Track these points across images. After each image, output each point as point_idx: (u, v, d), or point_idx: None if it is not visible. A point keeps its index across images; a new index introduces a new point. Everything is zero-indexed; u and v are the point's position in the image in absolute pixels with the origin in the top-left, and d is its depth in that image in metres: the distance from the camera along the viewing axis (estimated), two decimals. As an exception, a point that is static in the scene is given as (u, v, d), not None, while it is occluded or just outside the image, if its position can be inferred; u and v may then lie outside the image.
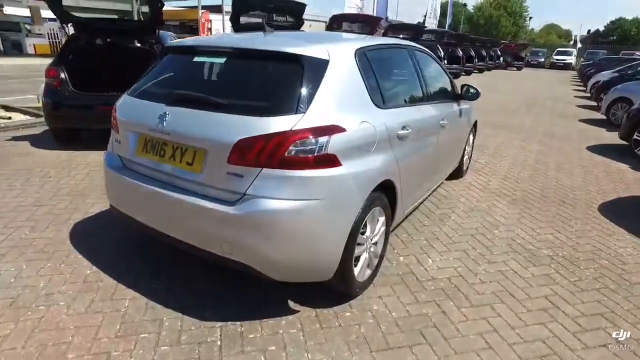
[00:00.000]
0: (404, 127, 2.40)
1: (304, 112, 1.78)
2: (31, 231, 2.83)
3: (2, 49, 21.69)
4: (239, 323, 2.02)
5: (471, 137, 4.50)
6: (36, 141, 5.05)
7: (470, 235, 3.15)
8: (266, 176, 1.73)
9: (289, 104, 1.80)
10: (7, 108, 6.89)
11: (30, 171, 4.00)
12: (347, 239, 1.95)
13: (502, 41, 34.70)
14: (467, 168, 4.69)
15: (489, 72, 23.96)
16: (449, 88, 3.66)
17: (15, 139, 5.16)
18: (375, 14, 19.26)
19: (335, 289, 2.18)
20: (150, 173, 2.06)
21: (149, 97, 2.10)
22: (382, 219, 2.34)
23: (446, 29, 27.07)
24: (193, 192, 1.88)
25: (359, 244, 2.12)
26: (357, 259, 2.19)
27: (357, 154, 1.95)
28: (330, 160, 1.80)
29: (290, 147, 1.71)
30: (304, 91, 1.84)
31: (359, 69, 2.13)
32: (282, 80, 1.93)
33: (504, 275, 2.60)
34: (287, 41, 2.09)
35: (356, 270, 2.17)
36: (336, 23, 9.55)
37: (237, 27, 6.88)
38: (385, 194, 2.32)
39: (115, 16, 4.84)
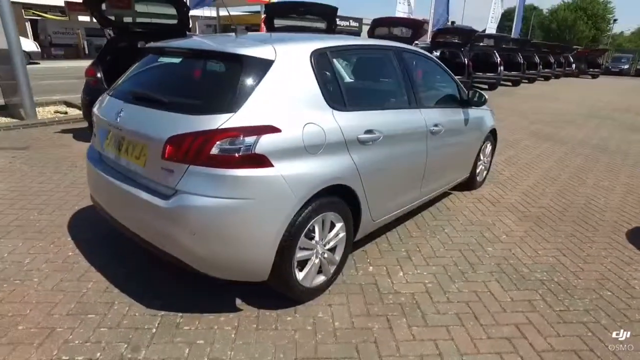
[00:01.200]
0: (369, 132, 2.31)
1: (235, 112, 1.79)
2: (39, 213, 3.15)
3: (87, 51, 24.40)
4: (180, 314, 2.09)
5: (488, 146, 4.19)
6: (78, 134, 5.61)
7: (458, 250, 2.93)
8: (193, 173, 1.77)
9: (222, 103, 1.82)
10: (68, 104, 7.76)
11: (62, 160, 4.46)
12: (282, 241, 1.93)
13: (575, 47, 31.69)
14: (484, 179, 4.37)
15: (557, 80, 22.07)
16: (453, 93, 3.45)
17: (63, 131, 5.79)
18: (433, 18, 18.68)
19: (279, 291, 2.16)
20: (113, 165, 2.20)
21: (116, 95, 2.26)
22: (339, 225, 2.28)
23: (512, 34, 25.44)
24: (140, 185, 1.98)
25: (303, 249, 2.09)
26: (304, 263, 2.15)
27: (296, 155, 1.92)
28: (259, 161, 1.79)
29: (216, 146, 1.74)
30: (239, 90, 1.85)
31: (313, 69, 2.10)
32: (222, 80, 1.97)
33: (477, 296, 2.39)
34: (239, 42, 2.12)
35: (301, 274, 2.13)
36: (378, 27, 9.42)
37: (271, 31, 7.08)
38: (345, 200, 2.26)
39: (158, 20, 5.23)
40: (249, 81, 1.88)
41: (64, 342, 1.85)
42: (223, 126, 1.76)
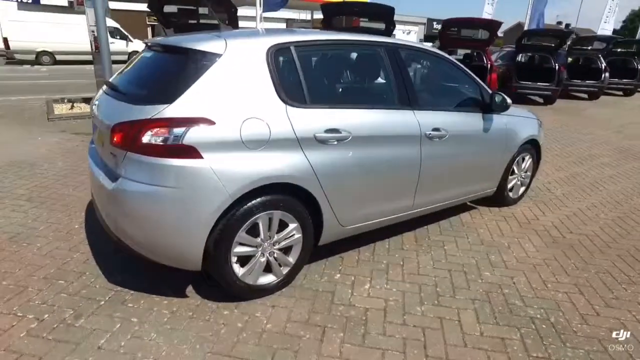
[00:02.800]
0: (332, 131, 2.19)
1: (171, 103, 1.84)
2: (74, 189, 3.63)
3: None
4: (132, 292, 2.22)
5: (527, 158, 3.65)
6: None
7: (448, 270, 2.61)
8: (130, 159, 1.87)
9: (162, 94, 1.89)
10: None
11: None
12: (214, 233, 1.93)
13: None
14: (520, 196, 3.82)
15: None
16: (472, 96, 3.09)
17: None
18: (529, 20, 16.89)
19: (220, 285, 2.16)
20: (96, 154, 2.43)
21: (103, 88, 2.49)
22: (293, 226, 2.20)
23: (637, 36, 21.71)
24: (103, 171, 2.15)
25: (243, 244, 2.06)
26: (246, 259, 2.13)
27: (231, 149, 1.90)
28: (187, 151, 1.82)
29: (147, 134, 1.81)
30: (179, 82, 1.90)
31: (268, 64, 2.06)
32: (169, 72, 2.03)
33: (441, 324, 2.10)
34: (201, 37, 2.16)
35: (241, 270, 2.11)
36: (449, 28, 8.84)
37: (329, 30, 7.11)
38: (301, 201, 2.18)
39: (216, 21, 5.67)
40: (191, 73, 1.92)
41: (26, 301, 2.11)
42: (156, 116, 1.83)
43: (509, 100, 3.04)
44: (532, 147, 3.68)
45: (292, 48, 2.18)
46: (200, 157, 1.84)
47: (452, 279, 2.51)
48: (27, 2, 22.01)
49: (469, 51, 9.73)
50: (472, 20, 8.77)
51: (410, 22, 41.71)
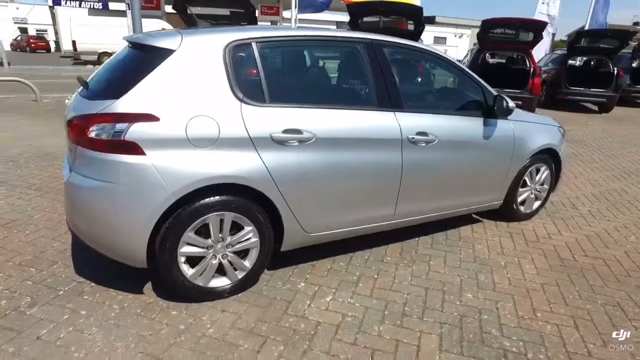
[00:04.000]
0: (292, 131, 2.07)
1: (118, 98, 1.83)
2: (80, 182, 3.81)
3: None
4: (92, 285, 2.25)
5: (542, 169, 3.27)
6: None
7: (425, 288, 2.38)
8: (79, 153, 1.88)
9: (113, 90, 1.89)
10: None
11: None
12: (159, 232, 1.90)
13: None
14: (534, 211, 3.43)
15: None
16: (473, 99, 2.83)
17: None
18: (590, 20, 15.50)
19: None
20: None
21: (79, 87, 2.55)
22: (248, 229, 2.11)
23: None
24: (68, 164, 2.20)
25: (191, 244, 2.01)
26: (197, 260, 2.07)
27: (176, 147, 1.85)
28: (129, 147, 1.79)
29: (91, 129, 1.81)
30: (130, 78, 1.89)
31: (224, 61, 1.99)
32: (126, 68, 2.03)
33: (395, 347, 1.90)
34: (159, 33, 2.14)
35: (190, 270, 2.05)
36: (488, 29, 8.28)
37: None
38: (256, 203, 2.09)
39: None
40: (143, 69, 1.90)
41: (-7, 285, 2.21)
42: (101, 111, 1.83)
43: (511, 104, 2.73)
44: (550, 157, 3.30)
45: (254, 44, 2.09)
46: (143, 153, 1.81)
47: (426, 298, 2.29)
48: (97, 8, 24.13)
49: (512, 54, 9.07)
50: (514, 21, 8.16)
51: (463, 26, 40.25)
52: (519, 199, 3.26)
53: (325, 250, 2.65)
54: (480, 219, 3.41)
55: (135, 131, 1.80)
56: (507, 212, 3.30)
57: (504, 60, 10.01)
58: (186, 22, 5.70)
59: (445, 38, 42.97)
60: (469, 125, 2.75)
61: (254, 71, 2.08)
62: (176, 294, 2.13)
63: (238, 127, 1.97)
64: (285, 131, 2.07)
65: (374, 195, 2.47)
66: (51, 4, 28.44)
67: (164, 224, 1.91)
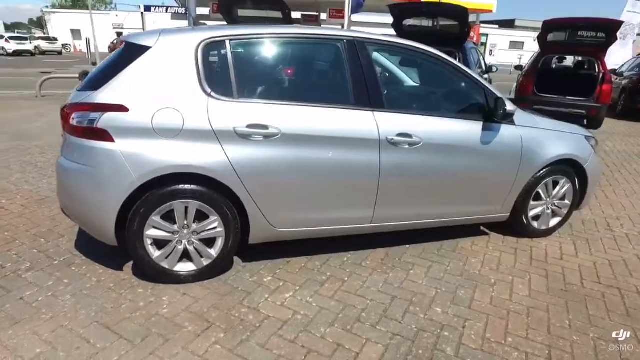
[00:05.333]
0: (257, 126, 2.12)
1: (97, 89, 2.03)
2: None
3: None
4: (84, 258, 2.49)
5: (562, 182, 2.93)
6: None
7: (392, 297, 2.27)
8: (66, 138, 2.12)
9: (96, 83, 2.09)
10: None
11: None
12: (126, 214, 2.06)
13: None
14: (551, 228, 3.08)
15: None
16: (468, 100, 2.64)
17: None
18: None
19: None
20: None
21: None
22: (213, 219, 2.20)
23: None
24: None
25: (157, 228, 2.14)
26: (163, 243, 2.20)
27: (142, 136, 1.99)
28: (100, 134, 1.97)
29: (72, 117, 2.03)
30: (110, 72, 2.08)
31: (196, 57, 2.09)
32: (111, 64, 2.21)
33: (332, 351, 1.84)
34: (143, 32, 2.30)
35: (156, 252, 2.19)
36: (549, 31, 7.52)
37: (400, 33, 6.88)
38: (222, 194, 2.17)
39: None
40: (122, 64, 2.09)
41: (7, 250, 2.54)
42: (81, 101, 2.04)
43: (509, 108, 2.48)
44: (573, 169, 2.94)
45: (227, 42, 2.18)
46: (112, 140, 1.99)
47: (388, 307, 2.18)
48: (179, 13, 26.53)
49: (579, 58, 8.15)
50: (579, 21, 7.30)
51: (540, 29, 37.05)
52: (531, 213, 2.96)
53: (305, 248, 2.66)
54: (488, 231, 3.15)
55: (107, 120, 1.98)
56: (516, 226, 3.00)
57: (569, 65, 9.04)
58: (228, 22, 6.05)
59: (523, 43, 39.92)
60: (464, 129, 2.56)
61: (225, 68, 2.17)
62: (145, 274, 2.29)
63: (202, 120, 2.06)
64: (250, 126, 2.12)
65: (348, 196, 2.42)
66: (143, 10, 31.77)
67: (132, 207, 2.07)
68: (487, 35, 38.08)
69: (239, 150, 2.12)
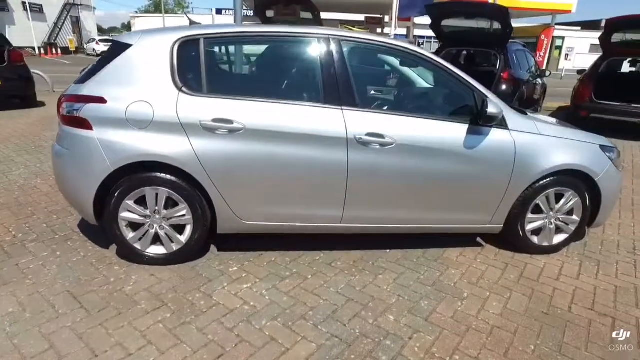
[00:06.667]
0: (222, 121, 2.20)
1: (84, 82, 2.26)
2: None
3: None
4: (81, 235, 2.77)
5: (568, 195, 2.63)
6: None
7: (348, 299, 2.22)
8: (59, 126, 2.38)
9: (86, 77, 2.32)
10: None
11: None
12: (103, 196, 2.26)
13: None
14: (557, 245, 2.78)
15: None
16: (453, 101, 2.50)
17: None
18: None
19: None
20: None
21: None
22: (182, 206, 2.33)
23: None
24: None
25: (130, 211, 2.32)
26: (136, 226, 2.38)
27: (117, 126, 2.17)
28: (82, 123, 2.19)
29: (63, 106, 2.27)
30: (98, 67, 2.29)
31: (171, 55, 2.23)
32: (101, 60, 2.42)
33: (264, 344, 1.86)
34: (132, 32, 2.48)
35: (130, 234, 2.37)
36: (614, 31, 6.68)
37: (439, 34, 6.68)
38: (189, 184, 2.29)
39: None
40: (107, 60, 2.30)
41: (24, 223, 2.91)
42: (70, 93, 2.29)
43: (492, 111, 2.28)
44: (582, 182, 2.63)
45: (201, 40, 2.29)
46: (91, 129, 2.20)
47: (338, 309, 2.14)
48: (248, 15, 27.99)
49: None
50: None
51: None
52: (529, 227, 2.70)
53: (282, 243, 2.70)
54: (483, 243, 2.93)
55: (87, 110, 2.20)
56: (513, 240, 2.76)
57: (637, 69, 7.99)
58: (439, 38, 6.29)
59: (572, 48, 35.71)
60: (446, 131, 2.41)
61: (197, 64, 2.28)
62: (121, 253, 2.49)
63: (171, 113, 2.20)
64: (215, 120, 2.21)
65: (316, 194, 2.41)
66: (214, 13, 33.88)
67: (110, 191, 2.27)
68: (563, 38, 34.69)
69: (204, 142, 2.23)
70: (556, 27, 26.38)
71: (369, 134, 2.31)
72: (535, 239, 2.75)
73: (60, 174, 2.41)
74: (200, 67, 2.28)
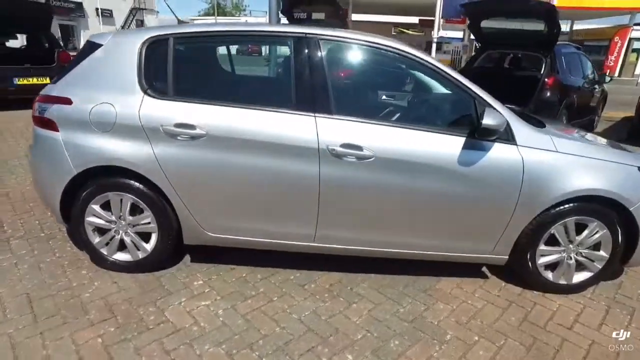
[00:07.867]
0: (185, 126, 2.06)
1: (55, 82, 2.23)
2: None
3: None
4: (65, 236, 2.79)
5: (594, 226, 2.18)
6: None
7: (307, 329, 1.97)
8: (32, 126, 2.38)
9: (59, 76, 2.29)
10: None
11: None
12: (70, 200, 2.22)
13: None
14: (579, 284, 2.33)
15: None
16: (448, 111, 2.17)
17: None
18: None
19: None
20: None
21: None
22: (147, 214, 2.23)
23: None
24: None
25: (96, 216, 2.26)
26: (103, 231, 2.31)
27: (81, 128, 2.11)
28: (48, 124, 2.16)
29: (35, 107, 2.26)
30: (70, 67, 2.25)
31: (139, 56, 2.13)
32: (74, 60, 2.37)
33: (201, 374, 1.67)
34: (108, 32, 2.41)
35: (96, 239, 2.31)
36: None
37: (478, 35, 6.21)
38: (152, 190, 2.18)
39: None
40: (78, 60, 2.25)
41: (19, 218, 3.00)
42: (42, 93, 2.27)
43: (490, 122, 1.90)
44: (612, 211, 2.15)
45: (170, 40, 2.17)
46: (57, 130, 2.16)
47: (292, 341, 1.90)
48: (301, 18, 28.40)
49: None
50: None
51: None
52: (541, 261, 2.27)
53: (259, 258, 2.50)
54: (488, 274, 2.53)
55: (53, 111, 2.17)
56: (522, 273, 2.35)
57: None
58: (480, 41, 6.19)
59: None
60: (436, 145, 2.08)
61: (164, 66, 2.16)
62: (92, 258, 2.44)
63: (133, 117, 2.09)
64: (177, 125, 2.08)
65: (285, 209, 2.19)
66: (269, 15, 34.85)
67: (77, 194, 2.23)
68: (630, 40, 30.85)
69: (166, 148, 2.10)
70: (634, 27, 23.62)
71: (343, 145, 2.05)
72: (549, 275, 2.31)
73: (32, 175, 2.42)
74: (167, 69, 2.16)
